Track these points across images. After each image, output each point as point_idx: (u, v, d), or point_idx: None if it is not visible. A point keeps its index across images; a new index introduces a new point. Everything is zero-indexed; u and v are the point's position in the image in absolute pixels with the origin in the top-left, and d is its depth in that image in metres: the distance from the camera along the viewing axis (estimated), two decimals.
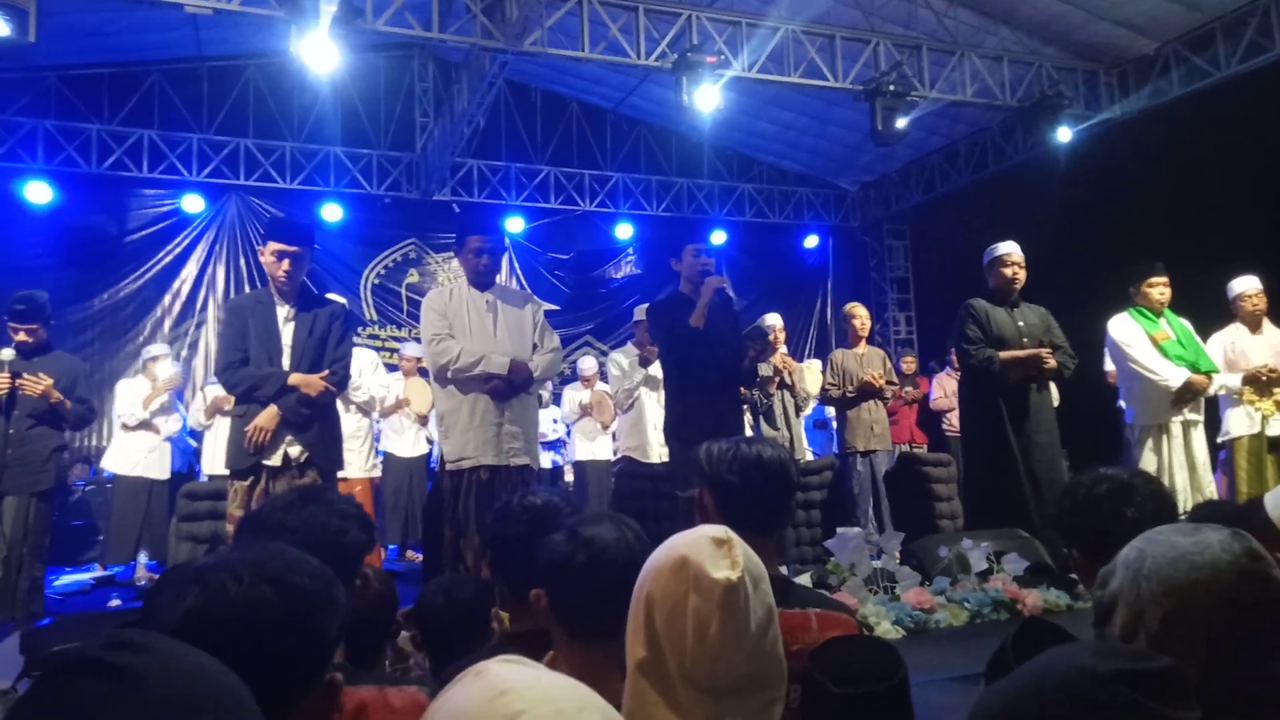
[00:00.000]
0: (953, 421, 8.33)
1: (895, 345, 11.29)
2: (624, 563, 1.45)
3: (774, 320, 6.44)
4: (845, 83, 7.83)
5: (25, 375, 4.42)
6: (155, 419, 6.60)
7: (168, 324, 9.30)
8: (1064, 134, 8.18)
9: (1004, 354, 4.60)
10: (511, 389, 3.76)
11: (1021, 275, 4.79)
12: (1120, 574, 1.11)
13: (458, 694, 0.80)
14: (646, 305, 5.99)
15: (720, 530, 1.14)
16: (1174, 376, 4.67)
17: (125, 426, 6.60)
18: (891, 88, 7.57)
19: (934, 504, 5.47)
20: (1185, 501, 4.50)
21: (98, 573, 6.67)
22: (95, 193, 9.07)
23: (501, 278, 10.12)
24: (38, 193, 8.70)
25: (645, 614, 1.13)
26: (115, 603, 5.51)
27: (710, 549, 1.11)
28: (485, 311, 3.86)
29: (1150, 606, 1.05)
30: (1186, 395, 4.68)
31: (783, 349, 6.37)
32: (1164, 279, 4.91)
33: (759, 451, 1.71)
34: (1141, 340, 4.80)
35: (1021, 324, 4.73)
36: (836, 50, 7.90)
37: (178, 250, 9.42)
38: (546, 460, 8.55)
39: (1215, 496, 4.70)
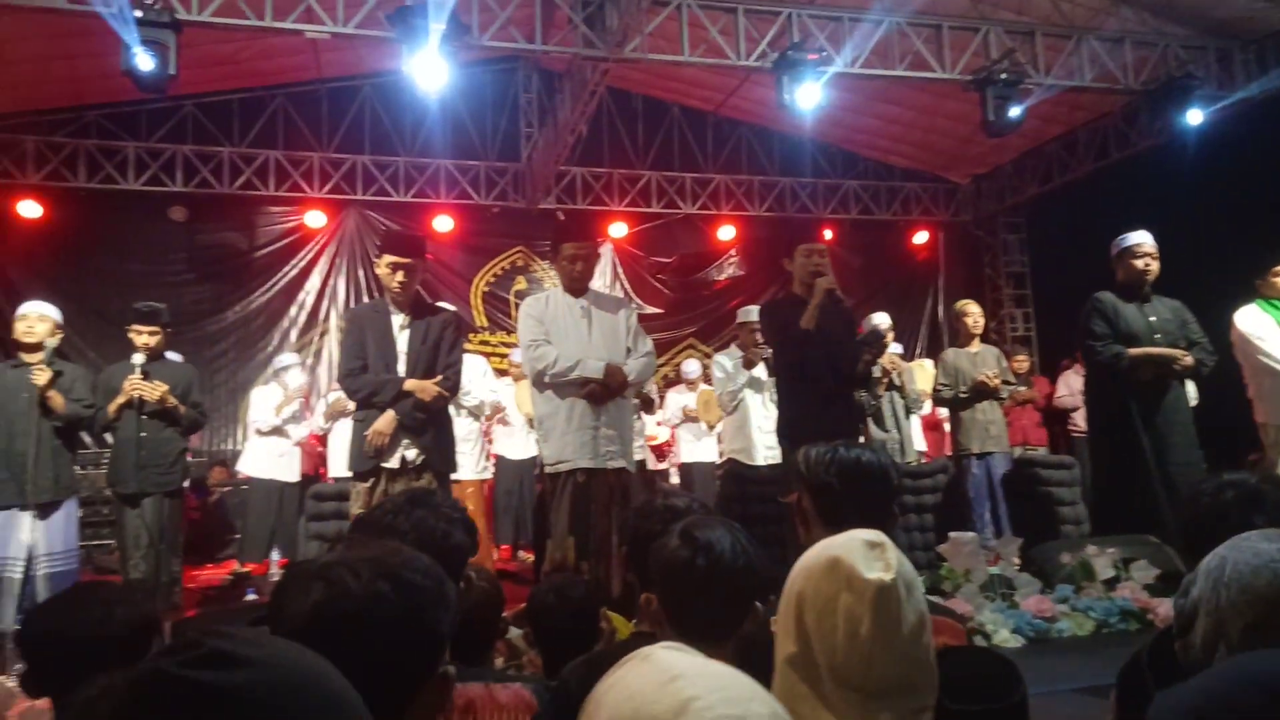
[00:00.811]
0: (1076, 421, 7.96)
1: (1012, 343, 10.85)
2: (741, 567, 1.45)
3: (881, 320, 6.30)
4: (954, 73, 7.59)
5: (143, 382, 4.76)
6: (286, 425, 6.99)
7: (294, 334, 9.82)
8: (1194, 116, 7.69)
9: (1134, 351, 4.35)
10: (607, 393, 3.81)
11: (1154, 267, 4.51)
12: (1201, 582, 1.06)
13: (627, 677, 0.81)
14: (750, 307, 5.97)
15: (874, 533, 1.15)
16: None
17: (259, 432, 7.02)
18: (1003, 76, 7.29)
19: (1055, 508, 5.23)
20: None
21: (235, 569, 7.10)
22: (227, 211, 9.67)
23: (605, 282, 10.28)
24: (178, 213, 9.35)
25: (796, 611, 1.15)
26: (251, 597, 5.86)
27: (863, 551, 1.13)
28: (580, 317, 3.93)
29: (1231, 617, 1.00)
30: None
31: (893, 348, 6.23)
32: None
33: (858, 454, 1.68)
34: (1273, 332, 4.46)
35: (1153, 319, 4.47)
36: (944, 40, 7.66)
37: (302, 264, 9.94)
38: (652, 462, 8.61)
39: None
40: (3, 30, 6.96)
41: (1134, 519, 4.22)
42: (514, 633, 2.61)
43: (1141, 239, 4.54)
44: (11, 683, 3.59)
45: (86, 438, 5.79)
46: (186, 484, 5.65)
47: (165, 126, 9.16)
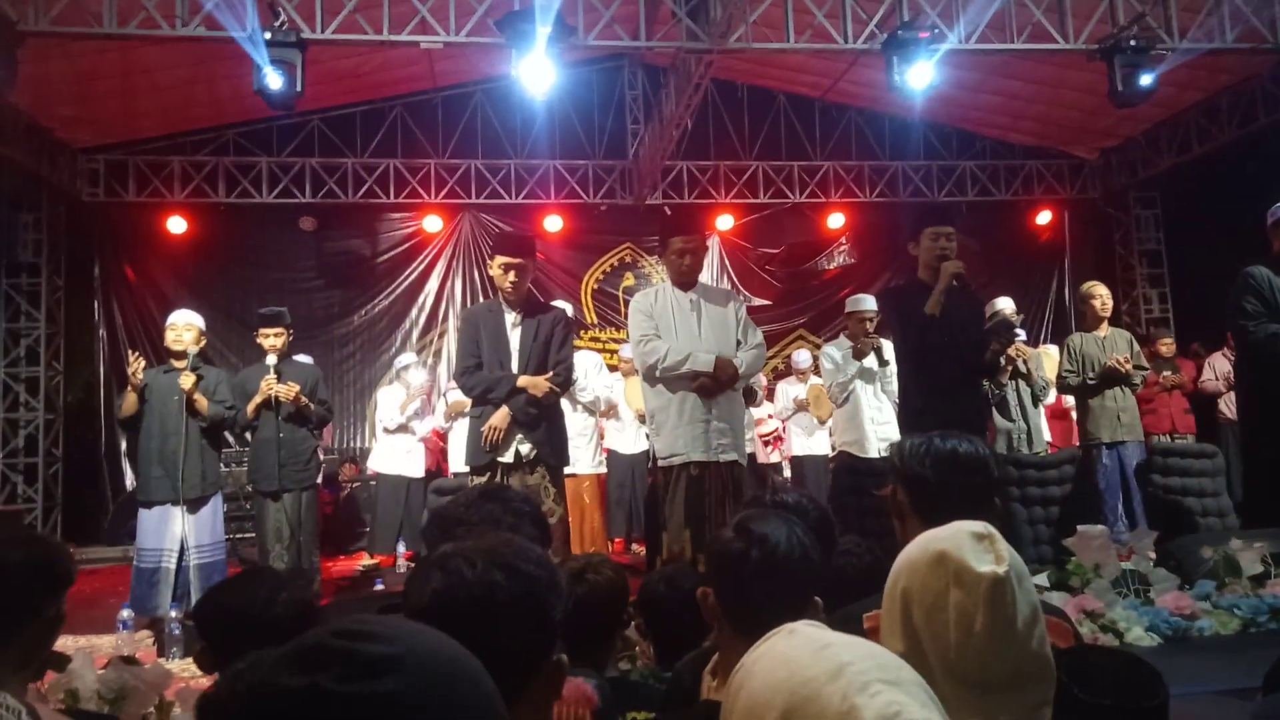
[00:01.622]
0: (1222, 407, 7.46)
1: (1147, 326, 10.22)
2: (797, 559, 1.44)
3: (1004, 304, 6.07)
4: (1078, 43, 7.19)
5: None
6: (410, 422, 7.31)
7: (415, 334, 10.24)
8: None
9: None
10: (718, 386, 3.81)
11: None
12: None
13: (777, 646, 0.84)
14: (859, 296, 5.85)
15: (980, 525, 1.13)
16: None
17: (386, 430, 7.36)
18: (1133, 43, 6.86)
19: (1195, 500, 4.90)
20: None
21: (366, 560, 7.48)
22: (352, 219, 10.18)
23: (712, 275, 10.26)
24: (307, 223, 9.90)
25: (902, 608, 1.13)
26: (379, 588, 6.16)
27: (971, 543, 1.10)
28: (689, 311, 3.95)
29: None
30: None
31: (1019, 335, 5.98)
32: None
33: (954, 445, 1.64)
34: None
35: None
36: (1066, 9, 7.26)
37: (421, 267, 10.35)
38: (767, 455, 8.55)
39: None
40: (152, 59, 7.54)
41: None
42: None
43: None
44: (173, 664, 3.90)
45: (229, 437, 6.21)
46: (320, 480, 5.98)
47: (294, 141, 9.70)
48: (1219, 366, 7.40)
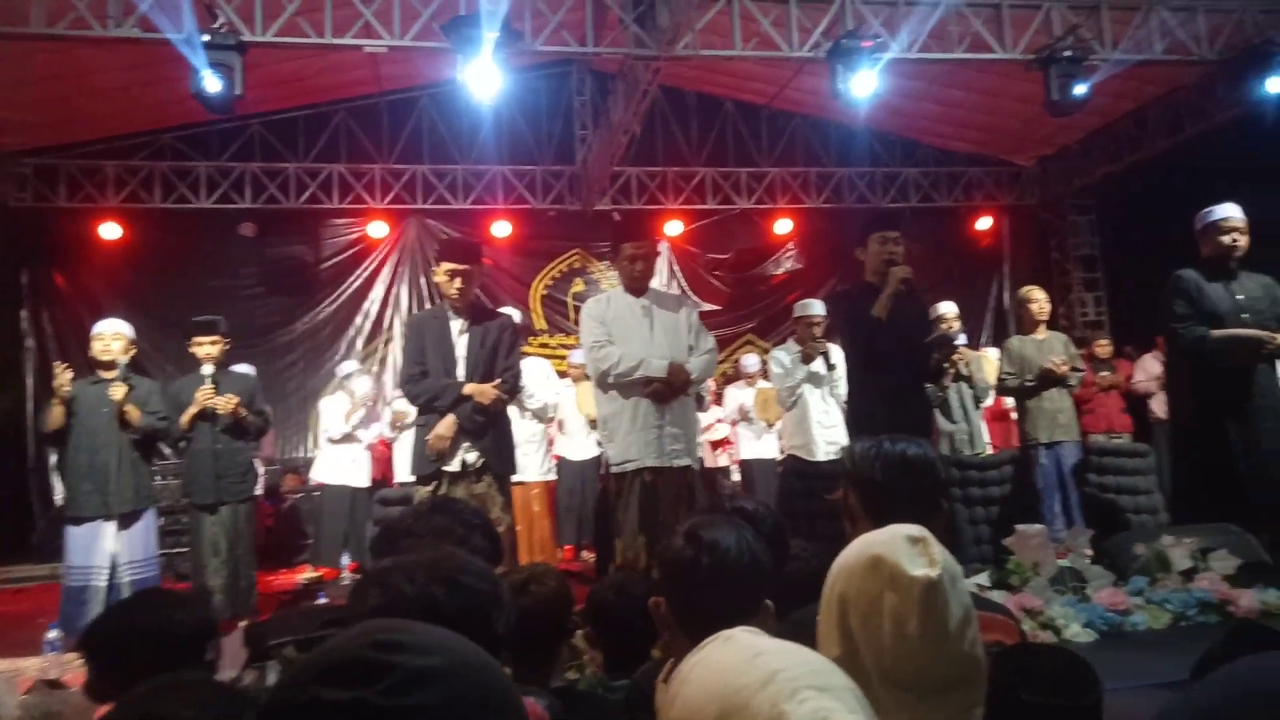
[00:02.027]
0: (1153, 407, 7.70)
1: (1084, 329, 10.51)
2: (748, 564, 1.45)
3: (947, 309, 6.18)
4: (1015, 53, 7.38)
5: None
6: (355, 431, 7.18)
7: (360, 343, 10.07)
8: (1275, 84, 7.35)
9: (1218, 332, 4.15)
10: (671, 391, 3.82)
11: (1243, 242, 4.25)
12: None
13: (711, 655, 0.84)
14: (807, 301, 5.91)
15: (915, 528, 1.13)
16: None
17: (331, 440, 7.22)
18: (1067, 54, 7.07)
19: (1129, 498, 5.05)
20: None
21: (309, 574, 7.32)
22: (293, 225, 9.97)
23: (662, 281, 10.29)
24: (247, 228, 9.68)
25: (839, 612, 1.14)
26: (322, 601, 6.03)
27: (906, 547, 1.11)
28: (642, 316, 3.95)
29: None
30: None
31: (960, 339, 6.10)
32: None
33: (904, 448, 1.67)
34: None
35: (1241, 298, 4.22)
36: (1004, 20, 7.46)
37: (366, 274, 10.19)
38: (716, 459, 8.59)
39: None
40: (86, 61, 7.30)
41: (1216, 508, 4.05)
42: (576, 634, 2.63)
43: (1229, 212, 4.31)
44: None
45: (165, 449, 6.03)
46: (259, 491, 5.84)
47: (234, 145, 9.49)
48: (1150, 368, 7.64)
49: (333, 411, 7.27)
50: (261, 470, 8.03)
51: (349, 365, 7.71)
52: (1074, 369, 5.65)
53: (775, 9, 7.29)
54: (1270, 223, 4.69)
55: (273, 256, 9.94)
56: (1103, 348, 7.71)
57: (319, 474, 7.41)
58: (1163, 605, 3.34)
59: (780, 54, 7.35)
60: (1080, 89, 7.12)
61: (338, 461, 7.19)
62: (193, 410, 4.90)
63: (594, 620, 2.46)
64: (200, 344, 5.01)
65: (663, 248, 10.55)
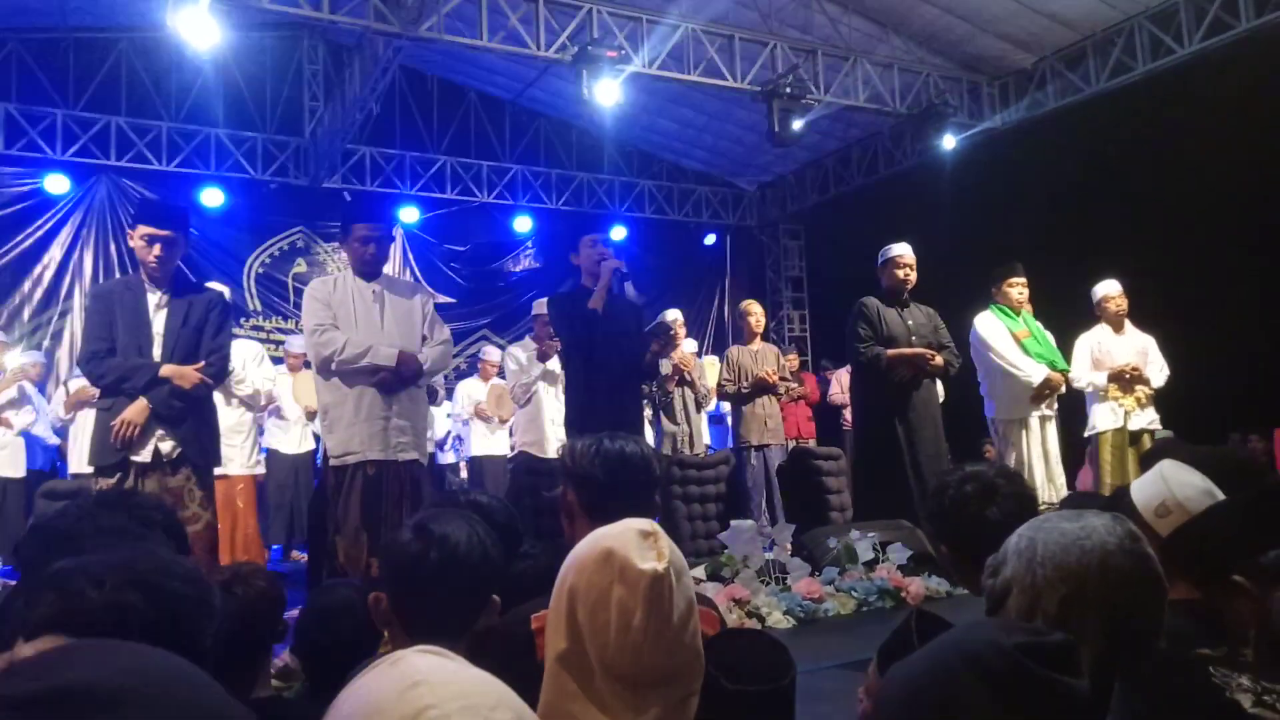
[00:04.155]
0: (846, 416, 8.61)
1: (789, 342, 11.55)
2: (478, 559, 1.42)
3: (674, 315, 6.49)
4: (743, 83, 7.95)
5: None
6: (4, 412, 6.14)
7: (27, 312, 8.66)
8: (949, 141, 8.53)
9: (891, 351, 4.76)
10: (400, 381, 3.64)
11: (912, 276, 4.95)
12: (1012, 562, 1.16)
13: (369, 681, 0.76)
14: (546, 299, 5.95)
15: (647, 523, 1.14)
16: (1035, 373, 4.95)
17: None
18: (788, 90, 7.73)
19: (825, 497, 5.61)
20: (1043, 492, 4.77)
21: None
22: None
23: (395, 268, 9.87)
24: None
25: (568, 606, 1.12)
26: None
27: (636, 541, 1.10)
28: (372, 302, 3.73)
29: (1047, 591, 1.11)
30: (1045, 391, 4.96)
31: (686, 345, 6.44)
32: (1023, 279, 5.19)
33: (622, 446, 1.71)
34: (1005, 337, 5.06)
35: (910, 323, 4.90)
36: (735, 50, 8.01)
37: (39, 234, 8.78)
38: (445, 455, 8.38)
39: (1064, 487, 5.01)
40: None
41: (890, 505, 4.62)
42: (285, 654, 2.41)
43: (902, 251, 4.98)
44: None
45: None
46: None
47: None
48: (843, 381, 8.54)
49: None
50: None
51: None
52: (783, 378, 6.17)
53: (524, 6, 7.29)
54: (935, 260, 5.48)
55: None
56: (792, 360, 8.55)
57: None
58: (850, 593, 3.74)
59: (526, 51, 7.35)
60: (798, 124, 7.82)
61: None
62: None
63: (298, 650, 2.26)
64: None
65: (397, 233, 10.14)
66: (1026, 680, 0.86)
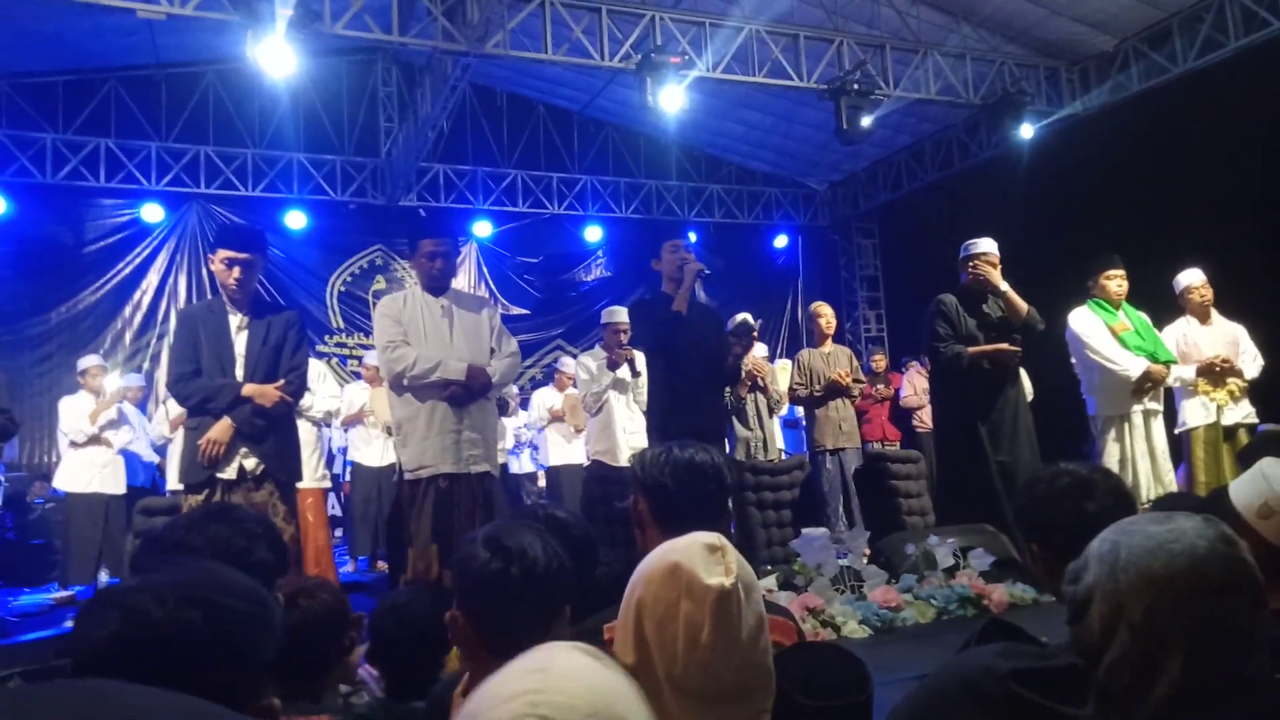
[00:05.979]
0: (923, 418, 8.40)
1: (866, 343, 11.33)
2: (555, 571, 1.42)
3: (747, 317, 6.43)
4: (810, 82, 7.85)
5: None
6: (105, 432, 6.45)
7: (128, 336, 9.13)
8: (1026, 131, 8.24)
9: (973, 349, 4.61)
10: (469, 395, 3.70)
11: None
12: (1094, 568, 1.09)
13: (521, 659, 0.81)
14: (615, 308, 5.97)
15: (714, 536, 1.13)
16: (1134, 366, 4.69)
17: (74, 444, 6.44)
18: (856, 87, 7.59)
19: (902, 501, 5.47)
20: (1148, 490, 4.53)
21: (58, 593, 6.52)
22: (51, 203, 8.89)
23: (470, 282, 10.08)
24: None
25: (635, 620, 1.11)
26: (71, 623, 5.39)
27: (703, 555, 1.09)
28: (440, 317, 3.80)
29: (1131, 599, 1.03)
30: (1146, 385, 4.69)
31: (757, 349, 6.38)
32: (1121, 271, 4.93)
33: (691, 454, 1.69)
34: (1101, 331, 4.82)
35: (994, 317, 4.73)
36: (800, 50, 7.92)
37: (138, 261, 9.26)
38: (522, 465, 8.49)
39: (1175, 486, 4.73)
40: None
41: (975, 509, 4.46)
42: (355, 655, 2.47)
43: (988, 247, 4.79)
44: None
45: None
46: None
47: None
48: (916, 382, 8.33)
49: (74, 411, 6.48)
50: (1, 478, 7.09)
51: (90, 359, 6.84)
52: (856, 380, 6.05)
53: (587, 17, 7.35)
54: (1018, 254, 5.27)
55: (22, 236, 8.80)
56: (877, 361, 8.37)
57: (62, 482, 6.59)
58: (929, 600, 3.63)
59: (591, 62, 7.40)
60: (866, 121, 7.67)
61: (85, 466, 6.42)
62: None
63: (373, 647, 2.32)
64: None
65: (471, 248, 10.34)
66: (1021, 707, 0.84)
